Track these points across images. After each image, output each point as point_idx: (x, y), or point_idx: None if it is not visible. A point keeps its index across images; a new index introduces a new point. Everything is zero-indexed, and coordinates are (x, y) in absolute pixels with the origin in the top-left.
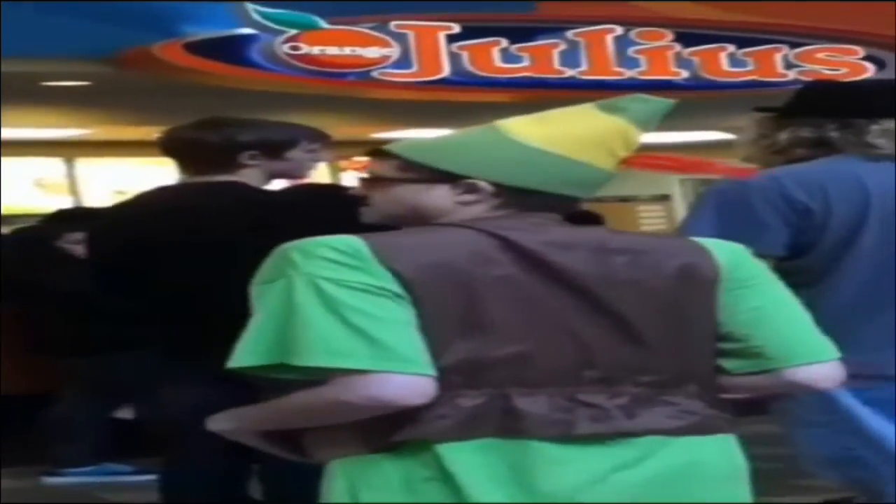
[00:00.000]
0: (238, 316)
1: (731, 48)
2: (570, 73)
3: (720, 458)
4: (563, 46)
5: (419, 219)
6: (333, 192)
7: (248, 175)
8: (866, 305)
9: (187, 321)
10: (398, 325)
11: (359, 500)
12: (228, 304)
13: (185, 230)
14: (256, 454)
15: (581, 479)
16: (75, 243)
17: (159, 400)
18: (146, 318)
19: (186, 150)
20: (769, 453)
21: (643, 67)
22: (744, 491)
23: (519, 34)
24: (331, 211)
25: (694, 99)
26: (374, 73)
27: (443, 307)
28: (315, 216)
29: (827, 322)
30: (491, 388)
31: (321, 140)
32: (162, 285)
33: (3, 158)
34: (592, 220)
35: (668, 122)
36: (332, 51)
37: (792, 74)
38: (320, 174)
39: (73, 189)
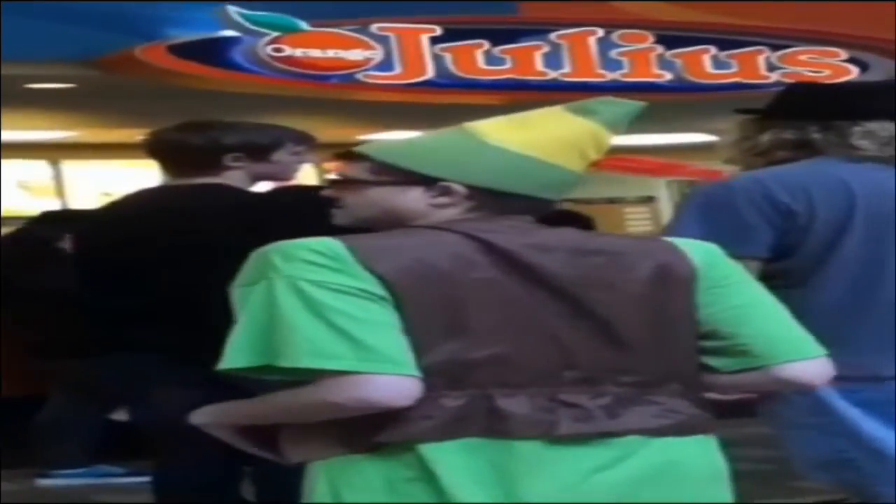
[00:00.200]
0: (225, 317)
1: (713, 50)
2: (552, 74)
3: (701, 458)
4: (545, 48)
5: (393, 221)
6: (319, 194)
7: (233, 177)
8: (853, 307)
9: (175, 323)
10: (382, 327)
11: (342, 500)
12: (216, 306)
13: (170, 232)
14: (249, 456)
15: (563, 480)
16: (62, 245)
17: (151, 402)
18: (137, 320)
19: (170, 152)
20: (761, 455)
21: (626, 69)
22: (724, 491)
23: (501, 36)
24: (316, 213)
25: (677, 101)
26: (358, 76)
27: (424, 309)
28: (301, 218)
29: (814, 323)
30: (473, 388)
31: (306, 142)
32: (148, 287)
33: None
34: (582, 222)
35: (651, 123)
36: (315, 53)
37: (775, 76)
38: (306, 176)
39: (59, 191)
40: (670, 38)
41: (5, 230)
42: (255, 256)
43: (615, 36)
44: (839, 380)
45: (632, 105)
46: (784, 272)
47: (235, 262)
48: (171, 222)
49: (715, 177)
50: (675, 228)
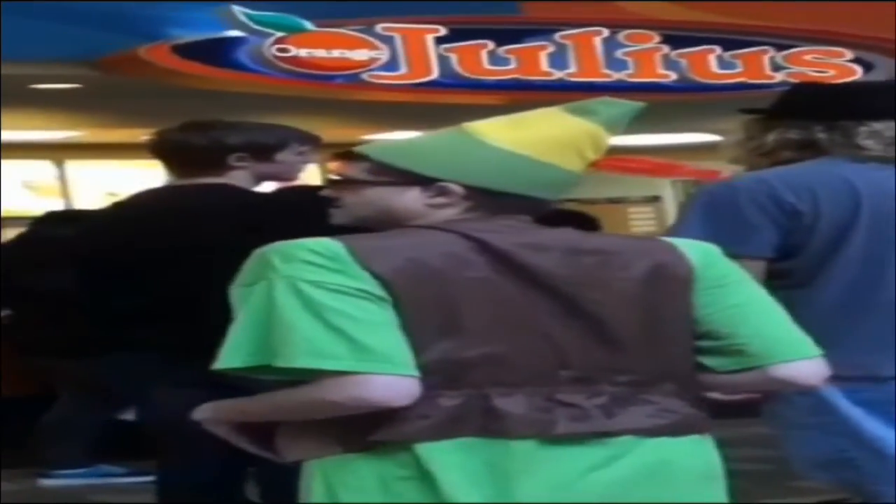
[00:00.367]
0: (228, 318)
1: (718, 50)
2: (557, 75)
3: (695, 457)
4: (550, 49)
5: (390, 221)
6: (322, 194)
7: (236, 177)
8: (857, 306)
9: (179, 323)
10: (380, 327)
11: (337, 499)
12: (219, 306)
13: (173, 232)
14: (253, 456)
15: (558, 480)
16: (66, 245)
17: (154, 401)
18: (141, 320)
19: (174, 152)
20: (762, 455)
21: (631, 70)
22: (718, 491)
23: (506, 36)
24: (320, 213)
25: (682, 101)
26: (363, 76)
27: (421, 308)
28: (305, 218)
29: (818, 323)
30: (470, 388)
31: (310, 142)
32: (152, 287)
33: None
34: (587, 222)
35: (656, 123)
36: (320, 53)
37: (779, 76)
38: (310, 176)
39: (64, 191)
40: (675, 38)
41: (8, 230)
42: (255, 257)
43: (620, 36)
44: (840, 379)
45: (631, 105)
46: (788, 272)
47: (239, 263)
48: (174, 222)
49: (714, 177)
50: (679, 228)
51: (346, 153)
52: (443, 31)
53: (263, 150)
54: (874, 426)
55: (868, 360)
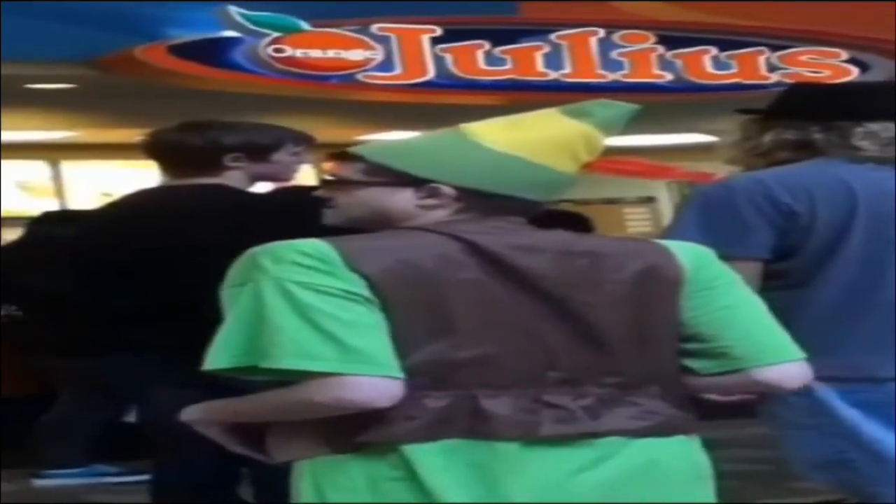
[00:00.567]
0: (223, 318)
1: (714, 51)
2: (553, 75)
3: (682, 458)
4: (546, 49)
5: (383, 222)
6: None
7: (232, 177)
8: (854, 308)
9: (173, 323)
10: (367, 329)
11: (325, 499)
12: (215, 307)
13: (169, 233)
14: (247, 457)
15: (545, 481)
16: (64, 245)
17: (150, 401)
18: (137, 320)
19: (170, 152)
20: (760, 456)
21: (626, 70)
22: (706, 491)
23: (502, 37)
24: (315, 214)
25: (677, 101)
26: (358, 76)
27: (410, 310)
28: (300, 219)
29: (816, 324)
30: (457, 389)
31: (306, 143)
32: (147, 287)
33: None
34: (580, 222)
35: (651, 124)
36: (316, 53)
37: (775, 77)
38: (305, 177)
39: (59, 192)
40: (671, 39)
41: (5, 230)
42: (245, 258)
43: (616, 36)
44: (839, 380)
45: (626, 107)
46: (785, 273)
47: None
48: (170, 223)
49: (706, 178)
50: (675, 229)
51: (339, 154)
52: (439, 31)
53: (258, 151)
54: (872, 427)
55: (866, 361)
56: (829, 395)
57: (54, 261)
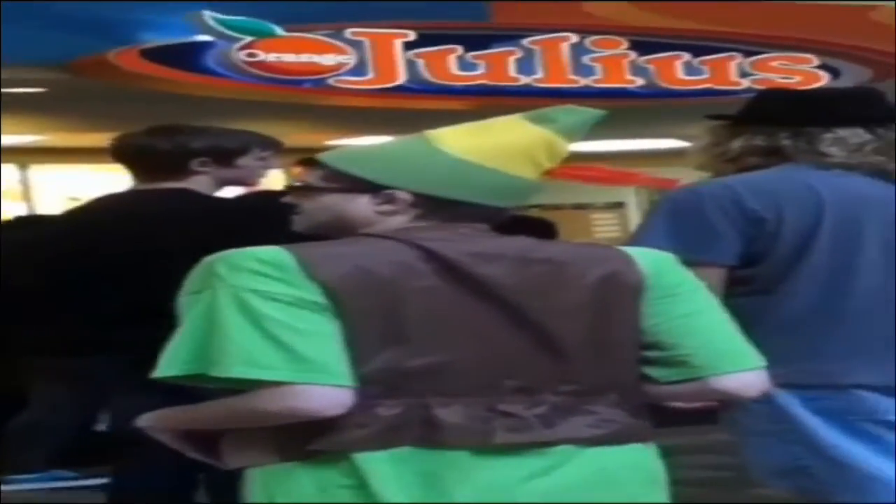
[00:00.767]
0: None
1: (686, 56)
2: (525, 80)
3: (634, 466)
4: (518, 54)
5: (345, 228)
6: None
7: (199, 182)
8: (820, 314)
9: (142, 327)
10: (319, 337)
11: (274, 500)
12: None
13: (137, 237)
14: (205, 463)
15: (493, 487)
16: (32, 249)
17: (116, 406)
18: (104, 325)
19: (137, 156)
20: (721, 462)
21: (598, 75)
22: (660, 497)
23: (474, 42)
24: (282, 219)
25: (649, 107)
26: (331, 81)
27: (365, 317)
28: (267, 224)
29: (781, 331)
30: (410, 397)
31: (272, 147)
32: (115, 291)
33: None
34: (545, 228)
35: (623, 129)
36: (289, 58)
37: (746, 83)
38: (275, 182)
39: (27, 195)
40: (643, 44)
41: None
42: (202, 265)
43: (588, 42)
44: (800, 387)
45: (591, 113)
46: (752, 279)
47: None
48: (137, 227)
49: (670, 184)
50: (643, 234)
51: (306, 160)
52: (412, 36)
53: (225, 155)
54: (831, 434)
55: (829, 368)
56: (789, 401)
57: (21, 264)
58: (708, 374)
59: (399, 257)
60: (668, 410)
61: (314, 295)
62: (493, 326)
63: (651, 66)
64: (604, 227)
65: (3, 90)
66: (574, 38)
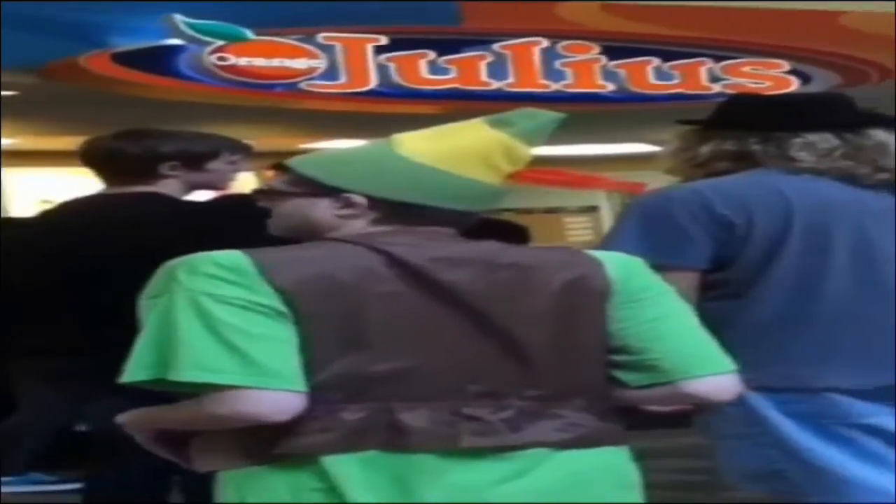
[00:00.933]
0: None
1: (657, 61)
2: (496, 85)
3: (606, 469)
4: (489, 59)
5: (312, 232)
6: (255, 203)
7: (168, 186)
8: (791, 318)
9: (113, 330)
10: (272, 342)
11: (245, 500)
12: None
13: (106, 241)
14: (179, 465)
15: (463, 493)
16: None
17: (91, 408)
18: (74, 328)
19: (106, 160)
20: (694, 466)
21: (569, 80)
22: (633, 499)
23: (446, 46)
24: (252, 222)
25: (620, 111)
26: (302, 85)
27: (324, 322)
28: (236, 227)
29: (752, 334)
30: (374, 402)
31: (242, 151)
32: (86, 294)
33: None
34: (517, 232)
35: (593, 133)
36: (260, 62)
37: (717, 87)
38: (246, 185)
39: None
40: (614, 49)
41: None
42: (162, 269)
43: (559, 46)
44: (773, 391)
45: (550, 116)
46: (722, 283)
47: None
48: (106, 231)
49: (637, 188)
50: (613, 239)
51: (277, 164)
52: (384, 40)
53: (194, 159)
54: (805, 438)
55: (801, 371)
56: (762, 404)
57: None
58: (678, 377)
59: (362, 262)
60: (641, 414)
61: (271, 299)
62: (458, 331)
63: (622, 71)
64: (577, 230)
65: None
66: (545, 42)
